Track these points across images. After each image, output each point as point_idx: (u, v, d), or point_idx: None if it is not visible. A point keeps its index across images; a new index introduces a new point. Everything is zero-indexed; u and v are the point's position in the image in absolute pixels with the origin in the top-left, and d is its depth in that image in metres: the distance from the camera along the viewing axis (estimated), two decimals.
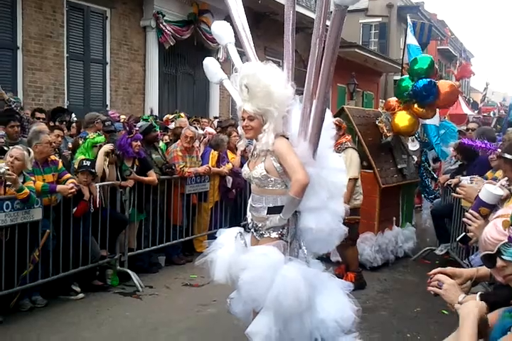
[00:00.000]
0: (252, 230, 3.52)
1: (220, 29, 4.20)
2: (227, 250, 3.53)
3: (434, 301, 4.87)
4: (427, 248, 7.23)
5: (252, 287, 3.20)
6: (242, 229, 3.64)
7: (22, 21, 9.20)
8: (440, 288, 2.41)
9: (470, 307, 2.03)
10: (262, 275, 3.17)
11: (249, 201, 3.64)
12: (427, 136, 7.67)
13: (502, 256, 2.02)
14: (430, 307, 5.13)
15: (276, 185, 3.35)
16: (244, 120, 3.37)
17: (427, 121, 7.37)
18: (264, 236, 3.42)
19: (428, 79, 6.65)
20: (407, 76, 7.01)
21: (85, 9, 10.48)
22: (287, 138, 3.35)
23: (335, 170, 3.47)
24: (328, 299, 3.28)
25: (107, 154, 5.70)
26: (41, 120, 6.63)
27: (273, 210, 3.38)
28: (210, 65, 4.26)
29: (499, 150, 4.42)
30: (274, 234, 3.38)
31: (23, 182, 4.72)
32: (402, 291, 5.90)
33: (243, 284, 3.23)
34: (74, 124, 7.42)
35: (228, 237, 3.61)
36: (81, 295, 5.36)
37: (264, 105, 3.24)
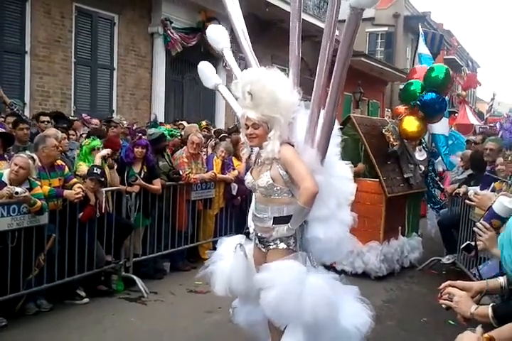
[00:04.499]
0: (256, 241, 3.44)
1: (215, 33, 4.10)
2: (226, 262, 3.46)
3: (440, 311, 4.82)
4: (434, 258, 7.19)
5: (280, 304, 3.06)
6: (243, 238, 3.56)
7: (30, 26, 9.25)
8: (451, 301, 2.38)
9: None
10: (289, 290, 3.05)
11: (252, 210, 3.54)
12: (436, 146, 7.64)
13: None
14: (437, 317, 5.09)
15: (283, 194, 3.26)
16: (248, 128, 3.27)
17: (436, 131, 7.35)
18: (271, 247, 3.33)
19: (435, 94, 6.63)
20: (417, 80, 6.98)
21: (93, 15, 10.54)
22: (292, 146, 3.28)
23: (342, 178, 3.41)
24: (346, 306, 3.21)
25: (104, 158, 5.68)
26: (45, 123, 6.64)
27: (279, 220, 3.29)
28: (206, 70, 4.16)
29: None
30: (281, 245, 3.30)
31: (30, 190, 4.72)
32: (408, 301, 5.87)
33: (269, 303, 3.10)
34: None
35: (228, 248, 3.53)
36: (86, 300, 5.34)
37: (270, 112, 3.15)
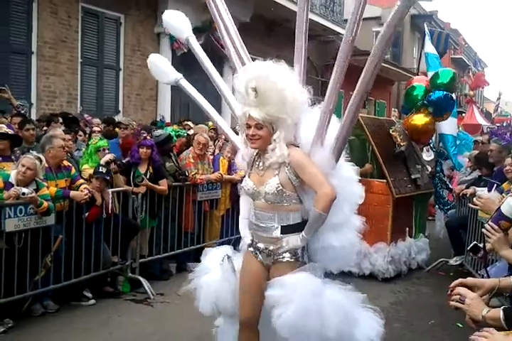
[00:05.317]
0: (257, 253, 3.14)
1: (175, 20, 3.76)
2: (212, 276, 3.20)
3: (448, 313, 4.82)
4: (441, 259, 7.13)
5: (299, 321, 2.80)
6: (230, 250, 3.33)
7: (37, 26, 9.27)
8: (462, 303, 2.34)
9: None
10: (308, 306, 2.81)
11: (248, 219, 3.24)
12: (444, 146, 7.59)
13: None
14: (444, 319, 5.06)
15: (291, 201, 3.00)
16: (250, 128, 2.93)
17: (444, 131, 7.30)
18: (279, 260, 3.04)
19: (444, 92, 6.57)
20: (419, 84, 6.92)
21: (100, 15, 10.55)
22: (297, 147, 3.04)
23: (351, 181, 3.19)
24: (361, 318, 2.98)
25: (107, 163, 5.61)
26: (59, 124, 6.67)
27: (287, 229, 3.02)
28: (160, 63, 3.82)
29: None
30: (287, 257, 3.02)
31: (37, 191, 4.71)
32: (416, 303, 5.82)
33: (287, 321, 2.81)
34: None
35: (214, 260, 3.27)
36: (92, 301, 5.34)
37: (276, 112, 2.85)
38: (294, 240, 3.00)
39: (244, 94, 2.89)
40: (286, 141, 2.95)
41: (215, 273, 3.20)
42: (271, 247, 3.06)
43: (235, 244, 3.59)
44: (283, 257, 3.03)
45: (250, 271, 3.18)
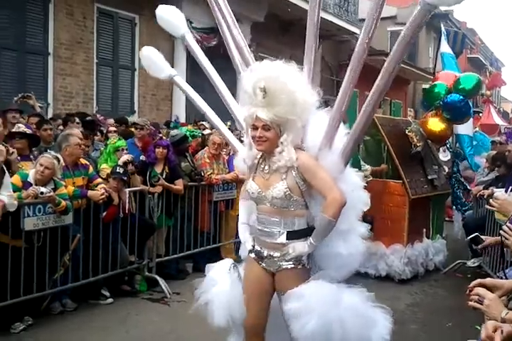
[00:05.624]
0: (259, 259, 3.07)
1: (171, 16, 3.64)
2: (221, 287, 3.10)
3: (466, 315, 4.77)
4: (459, 261, 7.05)
5: (322, 332, 2.75)
6: (233, 262, 3.24)
7: (53, 27, 9.34)
8: (481, 303, 2.32)
9: None
10: (328, 314, 2.75)
11: (249, 223, 3.16)
12: (460, 147, 7.52)
13: None
14: (462, 321, 5.00)
15: (298, 206, 2.92)
16: (256, 129, 2.84)
17: (460, 131, 7.22)
18: (283, 266, 2.96)
19: (460, 97, 6.49)
20: (441, 82, 6.84)
21: (115, 16, 10.61)
22: (303, 151, 2.97)
23: (357, 186, 3.12)
24: (374, 319, 2.91)
25: (125, 164, 5.63)
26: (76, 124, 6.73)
27: (292, 235, 2.93)
28: (155, 58, 3.69)
29: None
30: (292, 264, 2.94)
31: (55, 190, 4.76)
32: (433, 305, 5.77)
33: (310, 333, 2.75)
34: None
35: (220, 271, 3.17)
36: (110, 299, 5.37)
37: (285, 113, 2.76)
38: (301, 247, 2.90)
39: (251, 94, 2.78)
40: (294, 144, 2.88)
41: (223, 284, 3.11)
42: (275, 254, 2.98)
43: None
44: (288, 264, 2.96)
45: (253, 278, 3.11)
